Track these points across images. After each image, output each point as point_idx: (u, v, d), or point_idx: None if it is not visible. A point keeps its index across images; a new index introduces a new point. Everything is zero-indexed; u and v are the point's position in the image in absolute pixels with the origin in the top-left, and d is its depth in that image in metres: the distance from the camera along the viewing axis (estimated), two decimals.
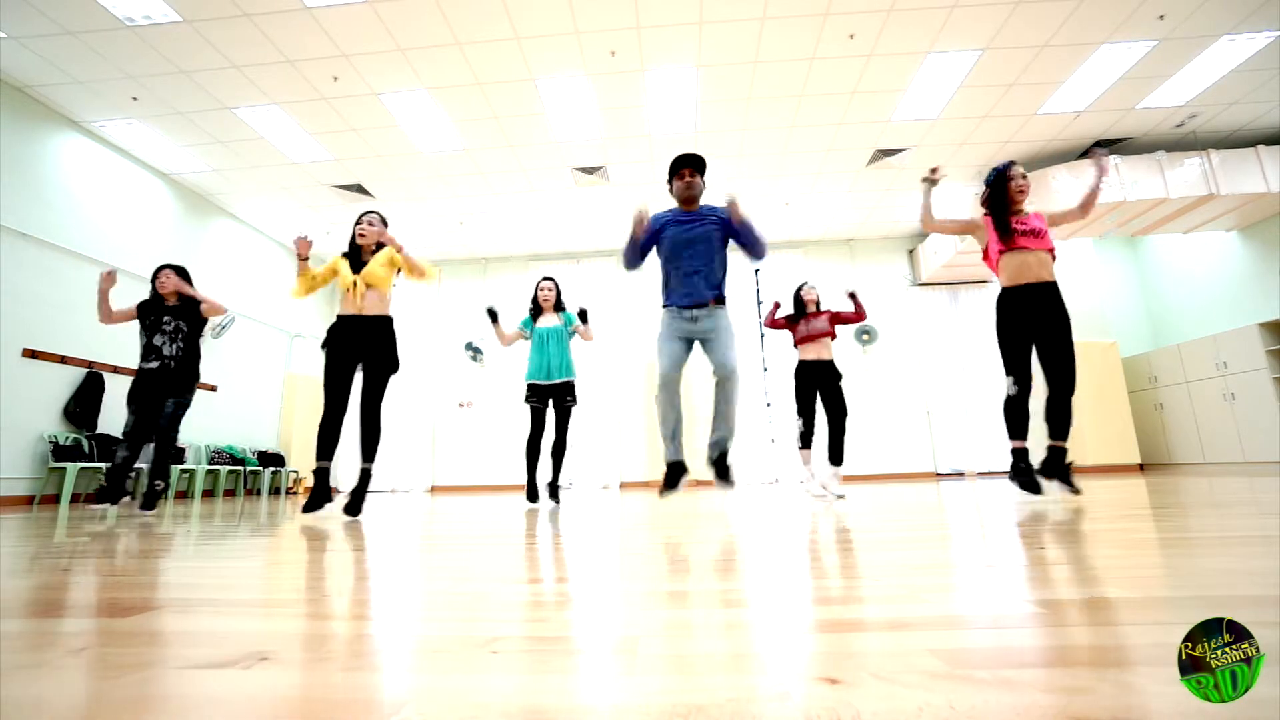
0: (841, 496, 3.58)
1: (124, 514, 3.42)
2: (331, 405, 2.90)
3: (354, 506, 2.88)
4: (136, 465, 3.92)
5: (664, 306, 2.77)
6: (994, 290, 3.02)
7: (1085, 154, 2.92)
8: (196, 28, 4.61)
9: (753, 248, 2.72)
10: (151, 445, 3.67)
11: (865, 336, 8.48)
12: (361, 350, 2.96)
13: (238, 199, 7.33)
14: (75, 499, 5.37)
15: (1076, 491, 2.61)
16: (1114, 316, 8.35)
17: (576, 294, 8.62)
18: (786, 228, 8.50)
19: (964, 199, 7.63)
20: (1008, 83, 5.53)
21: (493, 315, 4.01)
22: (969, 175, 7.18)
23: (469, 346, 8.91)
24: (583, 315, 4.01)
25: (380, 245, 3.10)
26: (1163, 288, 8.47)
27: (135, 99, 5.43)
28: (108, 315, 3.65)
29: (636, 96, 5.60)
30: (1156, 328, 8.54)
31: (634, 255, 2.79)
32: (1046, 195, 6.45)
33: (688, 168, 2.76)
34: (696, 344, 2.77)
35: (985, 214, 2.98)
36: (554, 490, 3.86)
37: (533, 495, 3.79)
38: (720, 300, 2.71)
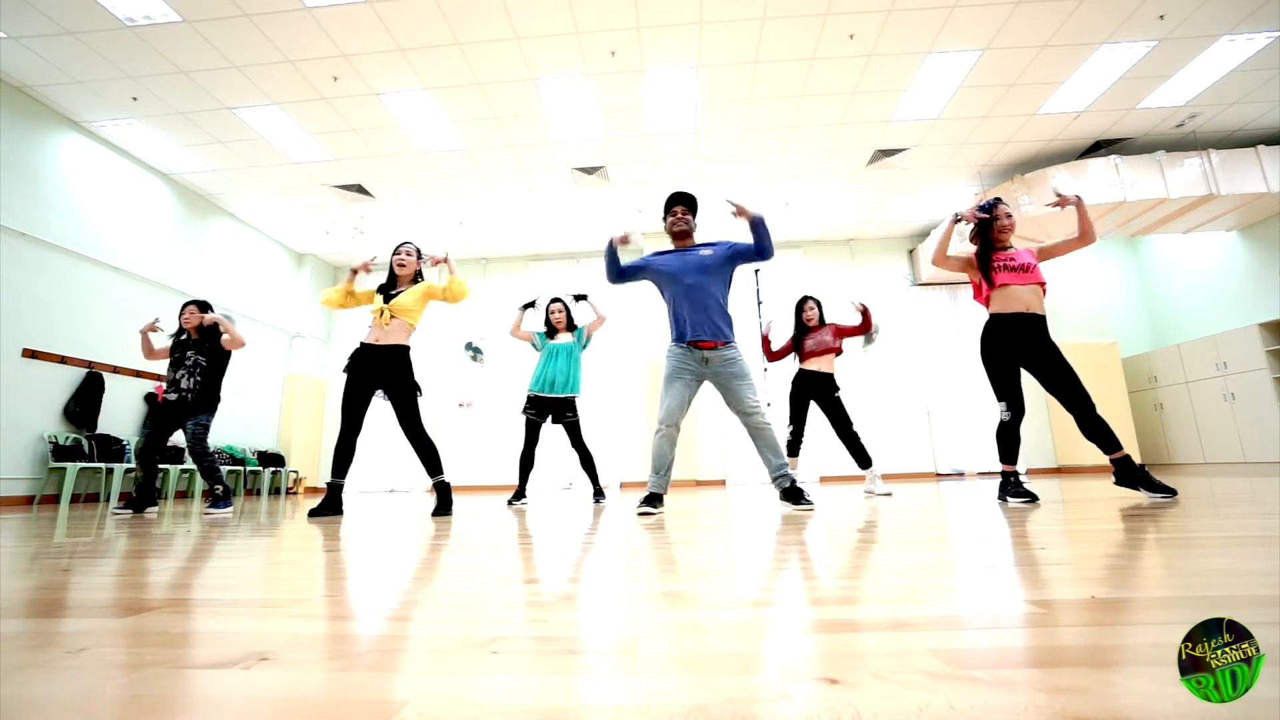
0: (888, 494, 3.70)
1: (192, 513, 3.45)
2: (346, 427, 3.04)
3: (441, 510, 3.00)
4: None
5: (673, 341, 2.81)
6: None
7: (1056, 202, 2.95)
8: (196, 28, 4.61)
9: (762, 246, 2.74)
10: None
11: (870, 335, 8.48)
12: (379, 379, 3.09)
13: (238, 199, 7.34)
14: (75, 499, 5.38)
15: (1170, 492, 2.50)
16: (1114, 316, 8.35)
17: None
18: (786, 228, 8.50)
19: (964, 197, 7.64)
20: (1008, 83, 5.53)
21: (529, 305, 4.24)
22: (969, 175, 7.19)
23: (469, 346, 8.91)
24: (579, 299, 4.16)
25: (418, 277, 3.25)
26: (1163, 288, 8.47)
27: (135, 99, 5.44)
28: (149, 352, 4.07)
29: (636, 96, 5.60)
30: (1156, 328, 8.54)
31: (612, 266, 2.91)
32: (1046, 194, 6.45)
33: (679, 205, 2.85)
34: (705, 385, 2.84)
35: (975, 253, 2.98)
36: (598, 496, 4.02)
37: (519, 496, 3.92)
38: (729, 342, 2.75)
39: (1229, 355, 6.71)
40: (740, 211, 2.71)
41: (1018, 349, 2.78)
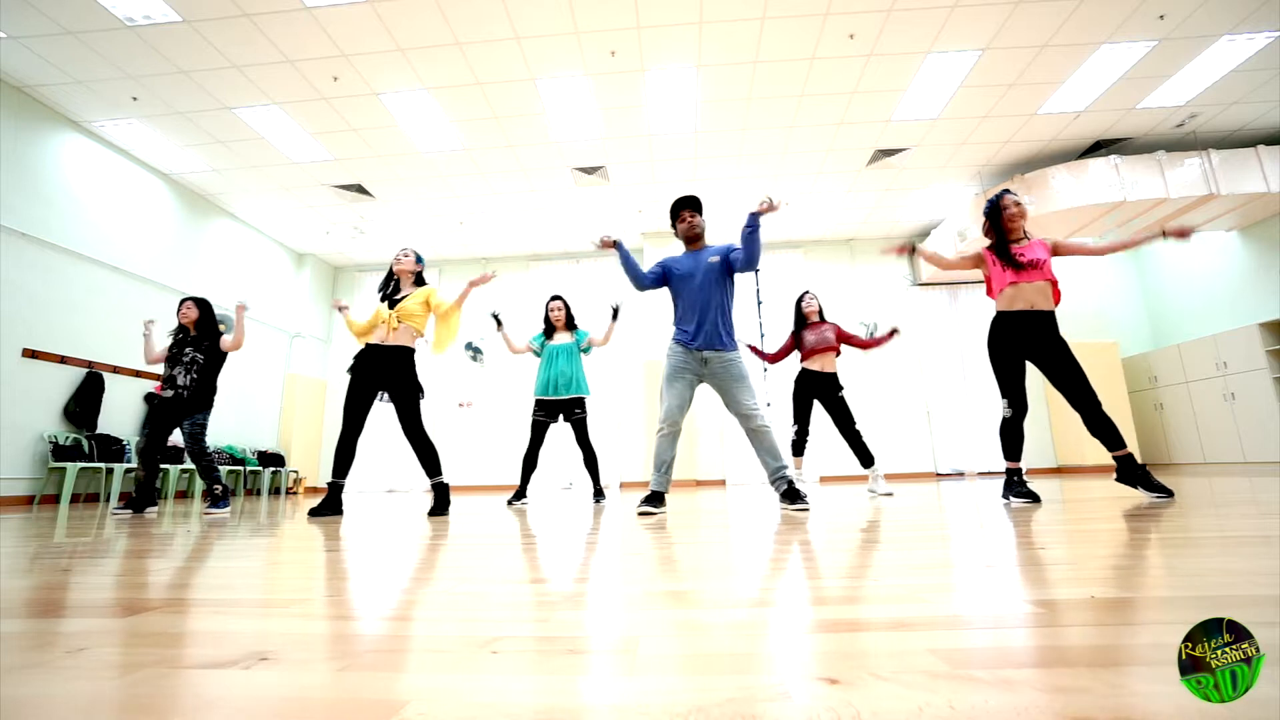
0: (889, 494, 3.68)
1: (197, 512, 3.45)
2: (348, 427, 3.04)
3: (438, 510, 3.01)
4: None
5: (675, 340, 2.83)
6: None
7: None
8: (196, 28, 4.61)
9: (750, 254, 2.71)
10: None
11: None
12: (382, 379, 3.10)
13: (238, 199, 7.33)
14: (75, 499, 5.38)
15: (1169, 493, 2.50)
16: (1114, 316, 8.35)
17: (576, 294, 8.64)
18: (786, 228, 8.50)
19: (964, 197, 7.64)
20: (1008, 83, 5.53)
21: (497, 320, 4.10)
22: (969, 175, 7.18)
23: (469, 346, 8.91)
24: (616, 313, 4.08)
25: (420, 281, 3.28)
26: (1163, 288, 8.47)
27: (135, 99, 5.43)
28: (151, 355, 3.99)
29: (636, 96, 5.60)
30: (1156, 328, 8.54)
31: (634, 272, 2.94)
32: (1046, 194, 6.46)
33: (687, 209, 2.85)
34: (703, 386, 2.86)
35: (987, 247, 2.95)
36: (598, 496, 4.00)
37: (519, 496, 3.91)
38: (731, 346, 2.78)
39: (1229, 355, 6.71)
40: (769, 208, 2.60)
41: (1023, 346, 2.76)
